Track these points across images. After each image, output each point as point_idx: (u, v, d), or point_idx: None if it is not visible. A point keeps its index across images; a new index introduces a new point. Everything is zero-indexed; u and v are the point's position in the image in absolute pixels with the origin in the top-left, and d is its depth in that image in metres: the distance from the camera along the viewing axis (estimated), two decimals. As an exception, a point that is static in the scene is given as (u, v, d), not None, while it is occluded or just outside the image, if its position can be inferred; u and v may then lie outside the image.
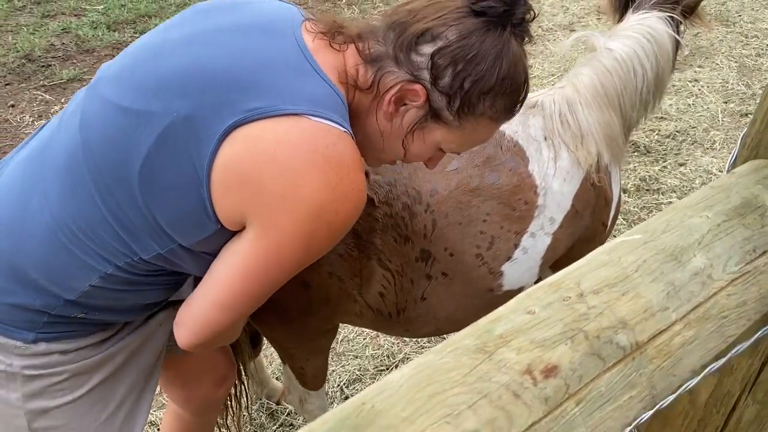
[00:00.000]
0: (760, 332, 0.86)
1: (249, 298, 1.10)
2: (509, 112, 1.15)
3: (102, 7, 5.32)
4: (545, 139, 1.69)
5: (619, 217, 3.38)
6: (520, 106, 1.17)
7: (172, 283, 1.23)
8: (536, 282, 2.72)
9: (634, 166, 3.76)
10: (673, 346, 0.66)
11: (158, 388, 1.96)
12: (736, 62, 4.80)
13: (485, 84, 1.07)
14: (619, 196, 1.90)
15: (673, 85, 4.57)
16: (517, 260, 1.64)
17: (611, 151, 1.73)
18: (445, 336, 2.47)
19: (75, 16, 5.25)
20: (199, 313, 1.12)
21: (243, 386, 2.02)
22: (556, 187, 1.66)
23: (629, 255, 0.70)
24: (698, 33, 5.20)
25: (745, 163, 0.93)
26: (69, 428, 1.24)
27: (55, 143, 1.12)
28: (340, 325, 1.97)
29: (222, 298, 1.09)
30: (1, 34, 5.00)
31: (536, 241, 1.65)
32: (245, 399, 2.08)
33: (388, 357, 2.74)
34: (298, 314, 1.62)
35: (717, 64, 4.80)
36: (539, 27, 5.54)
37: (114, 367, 1.29)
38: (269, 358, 2.66)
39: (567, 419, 0.58)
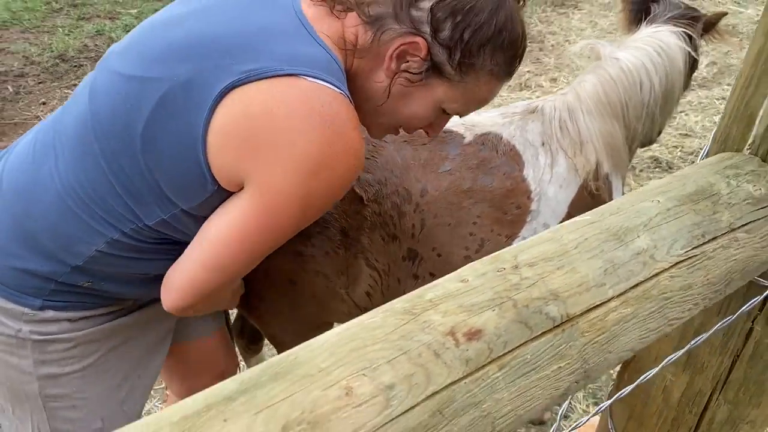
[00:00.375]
0: (718, 324, 0.86)
1: (240, 259, 1.10)
2: (509, 66, 1.17)
3: (135, 11, 5.47)
4: (543, 144, 1.69)
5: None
6: (519, 62, 1.19)
7: (177, 254, 1.23)
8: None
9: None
10: (608, 321, 0.67)
11: (160, 380, 2.00)
12: (765, 80, 4.72)
13: (483, 35, 1.09)
14: None
15: (700, 103, 4.52)
16: None
17: (612, 160, 1.72)
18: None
19: (109, 18, 5.41)
20: (187, 275, 1.12)
21: None
22: (552, 193, 1.65)
23: (572, 233, 0.72)
24: (729, 51, 5.13)
25: (714, 155, 0.93)
26: (76, 396, 1.28)
27: (66, 115, 1.17)
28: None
29: (212, 258, 1.09)
30: (38, 34, 5.18)
31: None
32: None
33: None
34: (287, 309, 1.64)
35: (746, 81, 4.72)
36: (566, 41, 5.53)
37: (121, 340, 1.32)
38: (271, 352, 2.68)
39: (488, 382, 0.60)
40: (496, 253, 0.71)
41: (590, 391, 2.79)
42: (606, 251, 0.70)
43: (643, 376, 0.89)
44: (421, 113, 1.19)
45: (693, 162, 3.87)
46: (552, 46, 5.43)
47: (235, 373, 1.84)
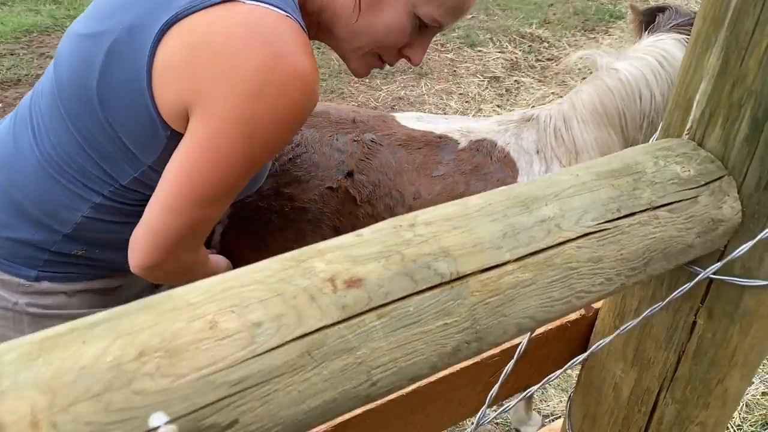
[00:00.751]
0: (646, 312, 0.85)
1: (195, 197, 1.05)
2: None
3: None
4: (537, 152, 1.69)
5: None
6: None
7: None
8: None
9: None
10: (503, 284, 0.66)
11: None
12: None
13: None
14: None
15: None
16: None
17: None
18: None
19: None
20: (145, 227, 1.09)
21: None
22: None
23: (479, 200, 0.72)
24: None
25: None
26: None
27: (41, 85, 1.21)
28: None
29: (168, 199, 1.06)
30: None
31: None
32: None
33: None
34: None
35: None
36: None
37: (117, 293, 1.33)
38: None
39: (365, 330, 0.60)
40: (403, 216, 0.72)
41: (563, 387, 2.75)
42: (509, 216, 0.70)
43: (573, 360, 0.88)
44: (396, 23, 1.14)
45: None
46: (579, 69, 5.40)
47: None
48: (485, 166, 1.64)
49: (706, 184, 0.82)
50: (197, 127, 1.01)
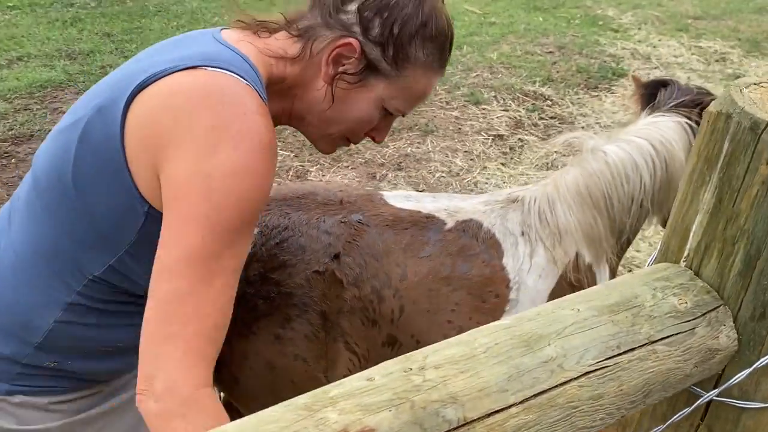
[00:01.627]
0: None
1: (193, 260, 0.99)
2: (441, 56, 1.24)
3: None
4: (522, 234, 1.71)
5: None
6: (449, 51, 1.25)
7: (141, 318, 1.17)
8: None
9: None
10: (508, 427, 0.69)
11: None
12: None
13: (412, 26, 1.16)
14: None
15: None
16: None
17: (593, 251, 1.73)
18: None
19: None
20: (149, 332, 1.01)
21: None
22: (531, 282, 1.67)
23: (485, 337, 0.75)
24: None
25: (655, 264, 0.96)
26: None
27: (19, 191, 1.23)
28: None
29: (169, 268, 1.00)
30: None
31: None
32: None
33: None
34: (264, 393, 1.66)
35: None
36: (597, 123, 5.59)
37: (98, 428, 1.30)
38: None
39: (376, 481, 0.63)
40: (411, 353, 0.75)
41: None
42: (513, 357, 0.73)
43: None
44: (365, 115, 1.23)
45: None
46: (582, 127, 5.48)
47: None
48: (471, 248, 1.65)
49: (702, 315, 0.85)
50: (167, 211, 1.00)
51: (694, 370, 0.84)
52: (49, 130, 4.32)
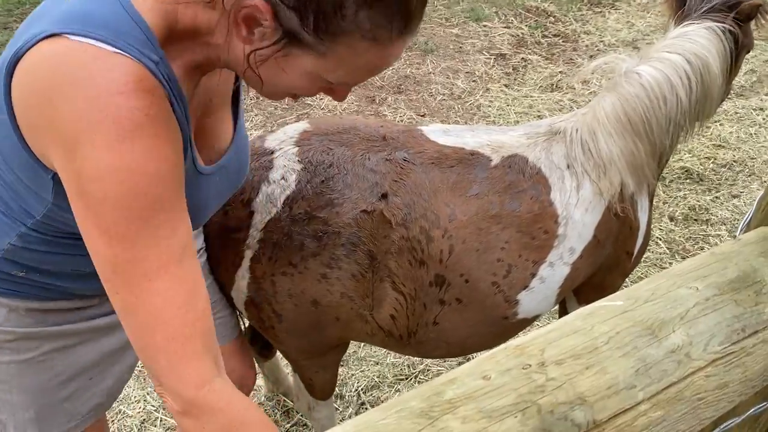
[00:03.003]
0: (752, 410, 0.82)
1: (108, 235, 0.93)
2: (388, 28, 0.93)
3: None
4: (568, 167, 1.64)
5: (663, 245, 3.29)
6: (402, 20, 0.93)
7: None
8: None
9: (685, 194, 3.65)
10: (636, 427, 0.63)
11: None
12: (808, 93, 4.60)
13: None
14: (648, 223, 1.82)
15: (736, 112, 4.40)
16: (533, 289, 1.61)
17: (636, 179, 1.67)
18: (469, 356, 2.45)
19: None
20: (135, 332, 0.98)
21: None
22: (578, 216, 1.61)
23: (603, 324, 0.68)
24: (770, 59, 4.99)
25: (756, 228, 0.88)
26: (12, 383, 1.28)
27: None
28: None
29: (90, 246, 0.96)
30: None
31: (554, 270, 1.61)
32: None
33: (409, 367, 2.73)
34: (307, 329, 1.62)
35: (787, 93, 4.60)
36: (601, 41, 5.42)
37: (70, 343, 1.30)
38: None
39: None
40: (520, 341, 0.68)
41: None
42: (639, 348, 0.66)
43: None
44: (298, 85, 1.03)
45: (726, 176, 3.77)
46: (586, 46, 5.31)
47: (253, 383, 1.81)
48: (518, 184, 1.59)
49: (823, 289, 0.78)
50: (65, 172, 0.94)
51: (811, 348, 0.77)
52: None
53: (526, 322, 1.70)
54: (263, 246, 1.52)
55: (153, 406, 2.48)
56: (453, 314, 1.59)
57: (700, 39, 1.70)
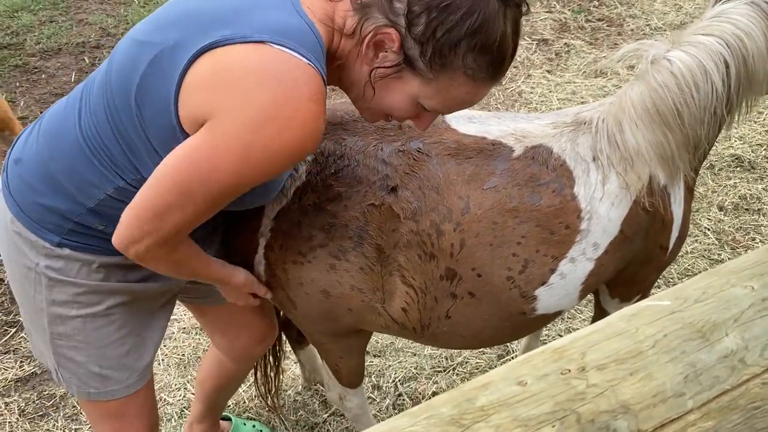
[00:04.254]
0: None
1: (182, 192, 1.13)
2: (487, 71, 1.16)
3: None
4: (594, 159, 1.56)
5: (712, 236, 3.17)
6: (500, 68, 1.18)
7: None
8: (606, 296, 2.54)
9: (735, 182, 3.51)
10: (685, 437, 0.58)
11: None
12: None
13: (456, 34, 1.11)
14: (684, 216, 1.72)
15: (791, 96, 4.20)
16: (553, 285, 1.54)
17: (668, 171, 1.57)
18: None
19: None
20: (132, 202, 1.17)
21: (279, 360, 2.12)
22: (603, 211, 1.54)
23: (649, 326, 0.63)
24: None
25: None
26: (80, 340, 1.39)
27: (95, 74, 1.31)
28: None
29: (157, 179, 1.15)
30: (115, 6, 5.27)
31: (576, 266, 1.54)
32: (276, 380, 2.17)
33: (447, 359, 2.70)
34: (322, 318, 1.62)
35: None
36: (647, 25, 5.26)
37: (129, 299, 1.41)
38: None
39: None
40: (560, 343, 0.64)
41: None
42: (688, 353, 0.61)
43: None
44: (398, 105, 1.23)
45: (780, 164, 3.61)
46: (632, 30, 5.14)
47: (273, 339, 1.90)
48: (541, 177, 1.51)
49: None
50: (205, 132, 1.11)
51: None
52: (77, 44, 4.18)
53: (548, 318, 1.65)
54: (275, 234, 1.53)
55: (193, 393, 2.50)
56: (466, 308, 1.54)
57: (740, 18, 1.54)
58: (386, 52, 1.16)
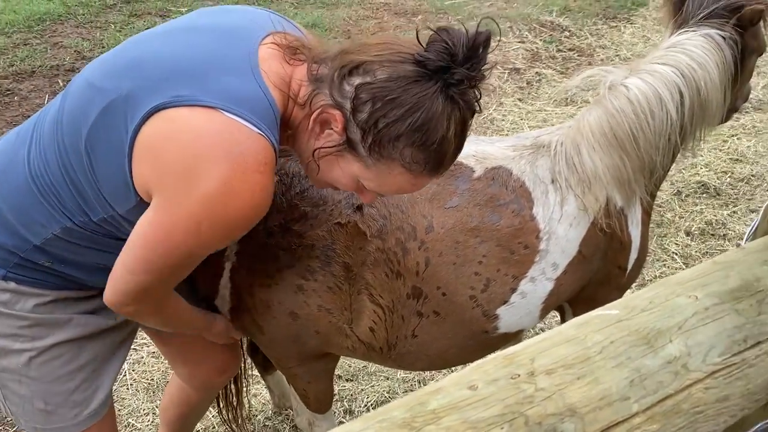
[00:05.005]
0: (759, 425, 0.79)
1: (148, 265, 1.17)
2: (422, 167, 1.15)
3: (186, 9, 5.52)
4: (553, 181, 1.60)
5: (679, 260, 3.23)
6: (435, 165, 1.15)
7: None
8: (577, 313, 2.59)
9: (701, 208, 3.59)
10: (630, 440, 0.60)
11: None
12: (828, 108, 4.52)
13: (396, 129, 1.09)
14: (642, 237, 1.75)
15: (754, 126, 4.34)
16: (514, 304, 1.57)
17: (623, 194, 1.62)
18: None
19: (160, 16, 5.47)
20: (114, 273, 1.21)
21: (240, 390, 2.09)
22: (562, 232, 1.57)
23: (597, 333, 0.65)
24: (789, 72, 4.93)
25: (763, 237, 0.85)
26: (23, 374, 1.35)
27: (49, 107, 1.29)
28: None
29: (128, 261, 1.18)
30: (91, 30, 5.26)
31: (536, 286, 1.58)
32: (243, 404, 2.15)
33: (419, 382, 2.70)
34: (289, 342, 1.61)
35: (806, 107, 4.53)
36: (617, 56, 5.39)
37: (81, 334, 1.38)
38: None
39: None
40: (510, 350, 0.66)
41: None
42: (633, 358, 0.63)
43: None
44: (342, 181, 1.23)
45: (744, 190, 3.71)
46: (602, 60, 5.28)
47: (236, 371, 1.89)
48: (501, 197, 1.55)
49: (830, 299, 0.75)
50: (156, 209, 1.13)
51: (818, 361, 0.74)
52: (51, 67, 4.14)
53: (510, 337, 1.67)
54: (241, 257, 1.53)
55: (161, 419, 2.47)
56: (431, 327, 1.56)
57: (695, 49, 1.60)
58: (331, 130, 1.16)
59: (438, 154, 1.13)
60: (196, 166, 1.07)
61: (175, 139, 1.08)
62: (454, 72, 1.06)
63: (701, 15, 1.68)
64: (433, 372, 2.68)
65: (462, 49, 1.06)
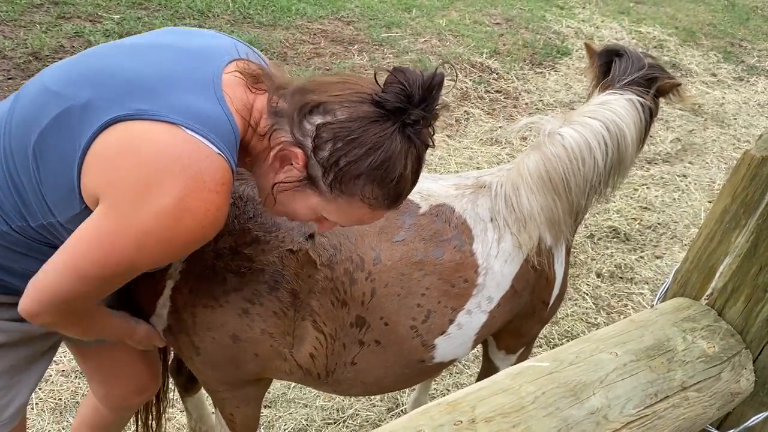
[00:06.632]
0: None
1: (80, 272, 1.14)
2: (381, 202, 1.20)
3: (118, 17, 5.40)
4: (491, 220, 1.72)
5: (590, 300, 3.42)
6: (393, 199, 1.21)
7: None
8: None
9: (612, 252, 3.80)
10: (557, 483, 0.67)
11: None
12: (725, 164, 4.90)
13: (358, 167, 1.13)
14: (564, 275, 1.90)
15: (662, 177, 4.65)
16: (451, 335, 1.66)
17: (554, 233, 1.76)
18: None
19: (90, 21, 5.33)
20: (37, 281, 1.18)
21: (160, 412, 2.07)
22: (497, 267, 1.68)
23: (530, 384, 0.72)
24: (693, 130, 5.31)
25: (672, 299, 0.96)
26: None
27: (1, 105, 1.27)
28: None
29: (58, 265, 1.15)
30: (14, 28, 5.07)
31: (472, 318, 1.67)
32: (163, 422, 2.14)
33: (338, 411, 2.72)
34: (226, 364, 1.62)
35: (707, 162, 4.90)
36: (540, 101, 5.65)
37: (3, 340, 1.36)
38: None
39: None
40: (454, 397, 0.72)
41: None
42: (561, 409, 0.71)
43: None
44: (300, 213, 1.26)
45: (651, 237, 3.96)
46: (526, 104, 5.53)
47: (155, 391, 1.86)
48: (444, 233, 1.65)
49: (728, 359, 0.86)
50: (101, 213, 1.11)
51: (715, 414, 0.84)
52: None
53: (443, 366, 1.76)
54: (185, 277, 1.53)
55: (69, 441, 2.39)
56: (371, 355, 1.62)
57: (620, 109, 1.81)
58: (291, 166, 1.18)
59: (396, 189, 1.19)
60: (153, 180, 1.06)
61: (134, 150, 1.08)
62: (410, 113, 1.11)
63: (625, 81, 1.89)
64: (352, 400, 2.73)
65: (417, 90, 1.11)
